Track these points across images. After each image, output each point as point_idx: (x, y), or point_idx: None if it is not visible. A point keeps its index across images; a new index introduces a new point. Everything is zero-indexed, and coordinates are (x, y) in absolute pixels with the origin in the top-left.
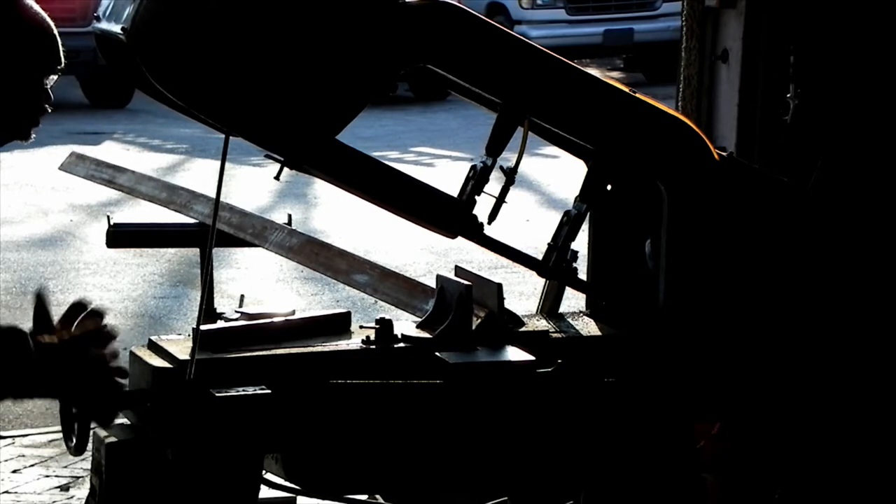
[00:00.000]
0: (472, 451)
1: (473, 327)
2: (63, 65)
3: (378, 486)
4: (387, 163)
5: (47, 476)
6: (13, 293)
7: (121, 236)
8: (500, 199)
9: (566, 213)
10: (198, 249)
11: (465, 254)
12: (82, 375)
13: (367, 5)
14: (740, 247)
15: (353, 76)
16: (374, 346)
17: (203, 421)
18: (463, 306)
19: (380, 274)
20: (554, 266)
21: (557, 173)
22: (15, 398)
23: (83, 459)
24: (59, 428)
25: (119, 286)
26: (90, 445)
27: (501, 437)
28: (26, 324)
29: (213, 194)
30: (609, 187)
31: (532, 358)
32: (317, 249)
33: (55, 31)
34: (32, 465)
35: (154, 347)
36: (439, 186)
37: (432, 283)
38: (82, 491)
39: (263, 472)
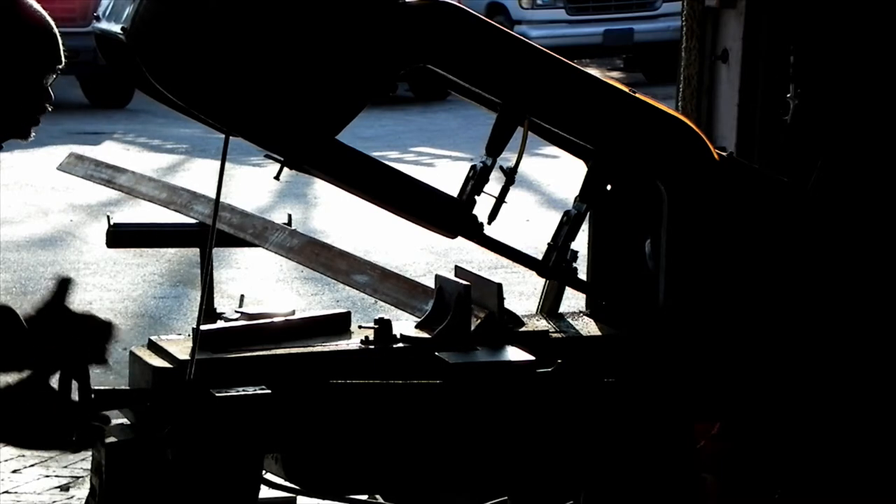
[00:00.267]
0: (472, 451)
1: (473, 327)
2: (63, 64)
3: (378, 486)
4: (387, 163)
5: (47, 476)
6: (13, 293)
7: (121, 236)
8: (500, 199)
9: (566, 213)
10: (198, 249)
11: (465, 254)
12: (73, 338)
13: (367, 5)
14: (740, 247)
15: (353, 76)
16: (373, 347)
17: (203, 421)
18: (462, 306)
19: (380, 274)
20: (554, 266)
21: (557, 173)
22: (8, 370)
23: (83, 459)
24: None
25: (119, 286)
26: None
27: (501, 438)
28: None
29: (213, 194)
30: (609, 187)
31: (532, 358)
32: (317, 250)
33: (56, 30)
34: (32, 465)
35: (154, 347)
36: (439, 186)
37: (432, 284)
38: (82, 491)
39: (263, 472)
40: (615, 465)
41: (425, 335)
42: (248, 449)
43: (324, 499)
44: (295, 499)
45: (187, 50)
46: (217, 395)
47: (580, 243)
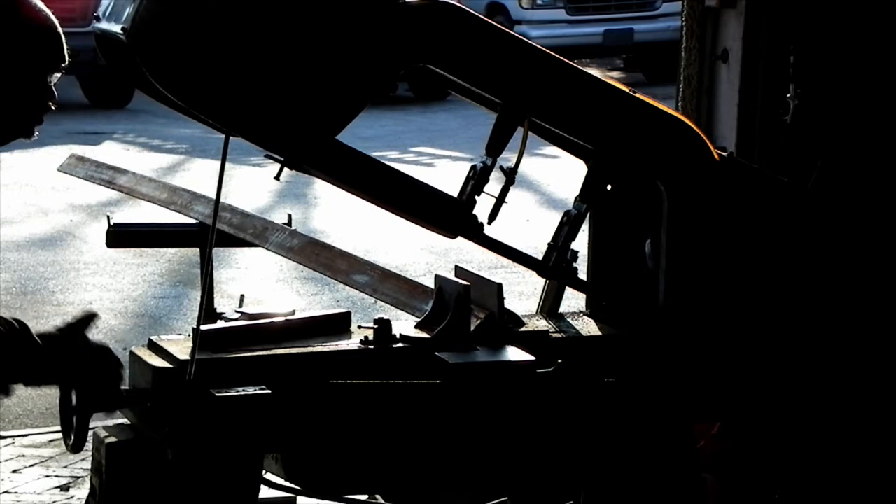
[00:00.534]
0: (472, 451)
1: (473, 327)
2: (67, 62)
3: (378, 486)
4: (387, 163)
5: (47, 476)
6: (13, 293)
7: (121, 236)
8: (500, 199)
9: (566, 213)
10: (198, 249)
11: (465, 254)
12: (86, 358)
13: (368, 5)
14: (740, 247)
15: (354, 76)
16: (372, 347)
17: (203, 421)
18: (461, 306)
19: (380, 274)
20: (554, 266)
21: (557, 173)
22: (24, 384)
23: (83, 459)
24: (59, 428)
25: (119, 286)
26: (89, 445)
27: (501, 438)
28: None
29: (213, 194)
30: (609, 187)
31: (532, 358)
32: (317, 250)
33: (60, 29)
34: (32, 465)
35: (154, 347)
36: (439, 186)
37: (432, 284)
38: (82, 491)
39: (263, 472)
40: (615, 465)
41: (425, 335)
42: (248, 449)
43: (324, 499)
44: (295, 499)
45: (187, 50)
46: (217, 395)
47: (580, 243)
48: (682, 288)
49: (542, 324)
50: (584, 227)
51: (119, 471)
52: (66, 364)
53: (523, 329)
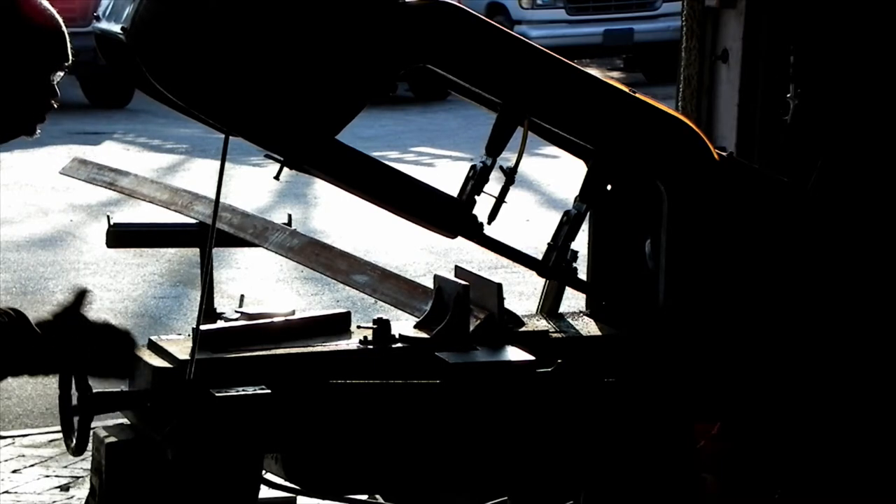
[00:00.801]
0: (471, 451)
1: (472, 327)
2: (70, 61)
3: (378, 486)
4: (387, 163)
5: (47, 476)
6: (13, 293)
7: (121, 236)
8: (500, 199)
9: (566, 213)
10: (198, 249)
11: (465, 254)
12: (86, 340)
13: (367, 5)
14: (740, 247)
15: (353, 76)
16: (372, 347)
17: (203, 421)
18: (460, 306)
19: (379, 274)
20: (554, 266)
21: (557, 173)
22: (27, 374)
23: (83, 459)
24: (59, 428)
25: (119, 286)
26: (90, 445)
27: (501, 437)
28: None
29: (213, 195)
30: (609, 187)
31: (532, 358)
32: (317, 250)
33: (63, 28)
34: (32, 465)
35: (154, 347)
36: (439, 186)
37: (432, 284)
38: (82, 491)
39: (263, 472)
40: (615, 465)
41: (424, 335)
42: (248, 449)
43: (324, 499)
44: (295, 499)
45: (187, 50)
46: (217, 395)
47: (580, 243)
48: (682, 288)
49: (542, 324)
50: (584, 227)
51: (119, 471)
52: (68, 349)
53: (523, 329)
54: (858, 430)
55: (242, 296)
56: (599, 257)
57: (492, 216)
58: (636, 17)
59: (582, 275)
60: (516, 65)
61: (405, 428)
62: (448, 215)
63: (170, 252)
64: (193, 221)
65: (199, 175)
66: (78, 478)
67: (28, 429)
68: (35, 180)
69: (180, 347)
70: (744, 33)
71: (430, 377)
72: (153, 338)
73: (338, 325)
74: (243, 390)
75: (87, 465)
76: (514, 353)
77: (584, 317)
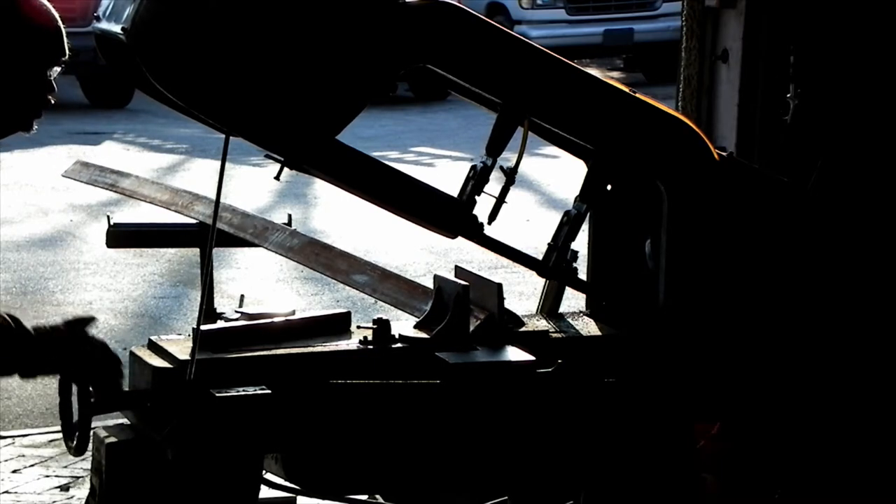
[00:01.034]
0: (471, 451)
1: (472, 327)
2: (67, 56)
3: (378, 486)
4: (387, 163)
5: (47, 476)
6: (13, 293)
7: (121, 236)
8: (500, 199)
9: (566, 213)
10: (198, 249)
11: (465, 254)
12: (85, 347)
13: (368, 5)
14: (740, 247)
15: (354, 76)
16: (371, 347)
17: (203, 421)
18: (460, 306)
19: (379, 274)
20: (554, 266)
21: (557, 173)
22: (21, 375)
23: (83, 459)
24: (59, 428)
25: (119, 286)
26: (90, 445)
27: (501, 438)
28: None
29: (213, 195)
30: (609, 187)
31: (532, 358)
32: (317, 250)
33: (60, 23)
34: (32, 465)
35: (154, 347)
36: (439, 186)
37: (431, 284)
38: (82, 491)
39: (263, 472)
40: (615, 465)
41: (424, 335)
42: (248, 449)
43: (324, 499)
44: (295, 499)
45: (187, 50)
46: (217, 395)
47: (580, 243)
48: (682, 288)
49: (542, 324)
50: (584, 227)
51: (119, 471)
52: (64, 351)
53: (523, 329)
54: (858, 430)
55: (242, 296)
56: (599, 257)
57: (492, 216)
58: (636, 17)
59: (582, 275)
60: (516, 65)
61: (405, 428)
62: (448, 215)
63: (170, 252)
64: (193, 221)
65: (199, 175)
66: (78, 478)
67: (28, 429)
68: (35, 180)
69: (180, 347)
70: (744, 33)
71: (430, 377)
72: (153, 338)
73: (338, 325)
74: (243, 390)
75: (87, 465)
76: (514, 354)
77: (584, 317)
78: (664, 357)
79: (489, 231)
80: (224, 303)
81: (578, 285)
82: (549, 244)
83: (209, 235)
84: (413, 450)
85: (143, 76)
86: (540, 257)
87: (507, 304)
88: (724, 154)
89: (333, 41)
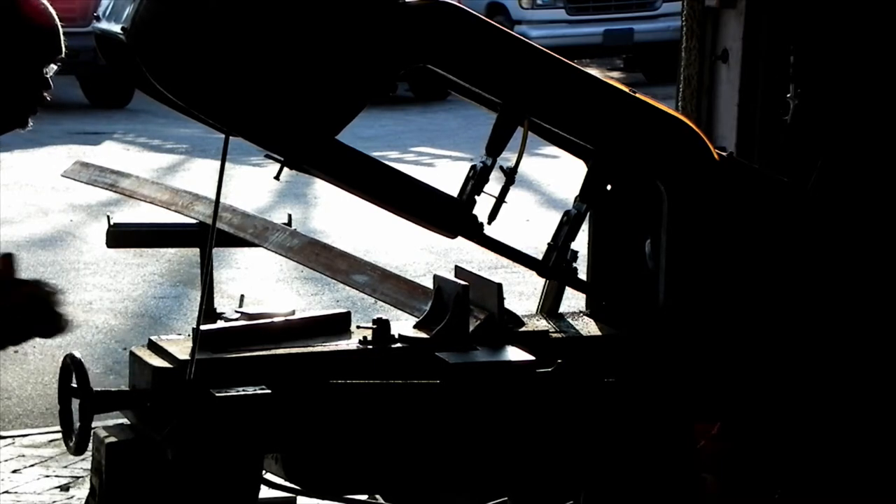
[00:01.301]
0: (471, 451)
1: (472, 327)
2: (63, 54)
3: (378, 486)
4: (387, 163)
5: (47, 476)
6: None
7: (121, 236)
8: (500, 199)
9: (566, 213)
10: (198, 249)
11: (465, 254)
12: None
13: (367, 5)
14: (740, 247)
15: (353, 76)
16: (371, 347)
17: (203, 421)
18: (460, 306)
19: (379, 274)
20: (554, 266)
21: (557, 173)
22: None
23: (83, 459)
24: (59, 428)
25: (119, 286)
26: (90, 445)
27: (501, 438)
28: None
29: (213, 195)
30: (609, 187)
31: (532, 358)
32: (317, 250)
33: (56, 21)
34: (32, 465)
35: (154, 347)
36: (439, 186)
37: (432, 284)
38: (82, 491)
39: (263, 472)
40: (615, 465)
41: (424, 335)
42: (248, 449)
43: (324, 499)
44: (295, 499)
45: (187, 50)
46: (217, 395)
47: (580, 243)
48: (682, 288)
49: (542, 324)
50: (584, 227)
51: (119, 471)
52: None
53: (523, 329)
54: (858, 430)
55: (242, 296)
56: (599, 257)
57: (492, 216)
58: (636, 17)
59: (582, 275)
60: (516, 65)
61: (405, 428)
62: (448, 215)
63: (170, 252)
64: (193, 221)
65: (199, 175)
66: (78, 478)
67: (28, 429)
68: (35, 180)
69: (180, 347)
70: (744, 33)
71: (430, 377)
72: (153, 338)
73: (338, 325)
74: (243, 390)
75: (87, 465)
76: (514, 353)
77: (584, 317)
78: (664, 357)
79: (489, 231)
80: (224, 303)
81: (578, 285)
82: (549, 244)
83: (209, 235)
84: (413, 450)
85: (143, 76)
86: (540, 257)
87: (507, 304)
88: (724, 154)
89: (333, 41)
